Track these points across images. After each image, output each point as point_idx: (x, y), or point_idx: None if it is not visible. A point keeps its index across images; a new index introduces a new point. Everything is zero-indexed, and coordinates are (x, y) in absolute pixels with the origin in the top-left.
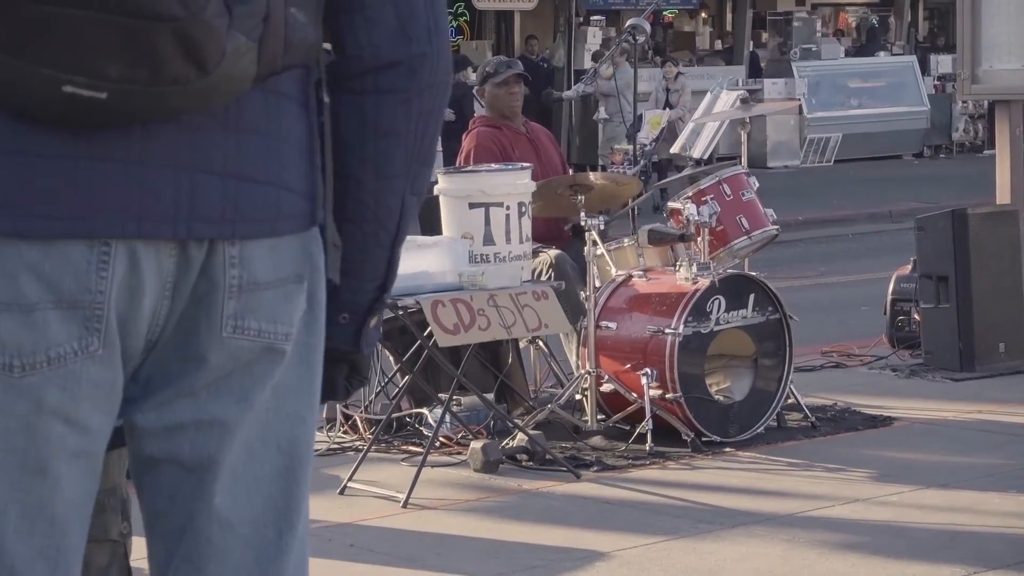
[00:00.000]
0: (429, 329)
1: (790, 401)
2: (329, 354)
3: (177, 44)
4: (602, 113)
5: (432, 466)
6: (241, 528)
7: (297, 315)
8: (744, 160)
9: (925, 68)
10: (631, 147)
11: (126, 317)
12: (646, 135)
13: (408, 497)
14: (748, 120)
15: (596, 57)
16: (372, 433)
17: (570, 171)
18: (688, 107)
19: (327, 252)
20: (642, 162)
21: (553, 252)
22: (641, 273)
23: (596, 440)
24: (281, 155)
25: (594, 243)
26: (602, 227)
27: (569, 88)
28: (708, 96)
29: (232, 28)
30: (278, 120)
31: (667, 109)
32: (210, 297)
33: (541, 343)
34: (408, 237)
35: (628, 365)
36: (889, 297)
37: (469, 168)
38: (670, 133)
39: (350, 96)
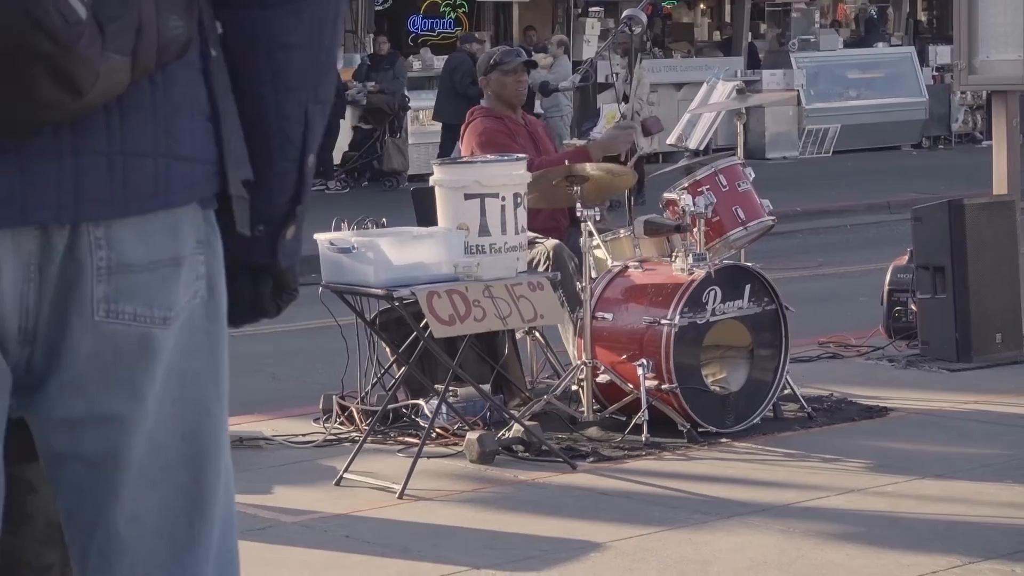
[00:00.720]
0: (425, 320)
1: (786, 392)
2: (251, 268)
3: (50, 76)
4: (538, 108)
5: (428, 457)
6: (150, 520)
7: (180, 299)
8: (740, 151)
9: (924, 59)
10: (579, 141)
11: None
12: (600, 129)
13: (404, 488)
14: (744, 111)
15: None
16: (368, 424)
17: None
18: (645, 100)
19: (234, 206)
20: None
21: (551, 243)
22: (637, 264)
23: (592, 431)
24: (170, 125)
25: (590, 234)
26: (598, 218)
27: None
28: (704, 87)
29: (106, 50)
30: (167, 90)
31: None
32: (79, 280)
33: (538, 334)
34: (403, 228)
35: (624, 356)
36: (886, 287)
37: (464, 159)
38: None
39: (240, 12)
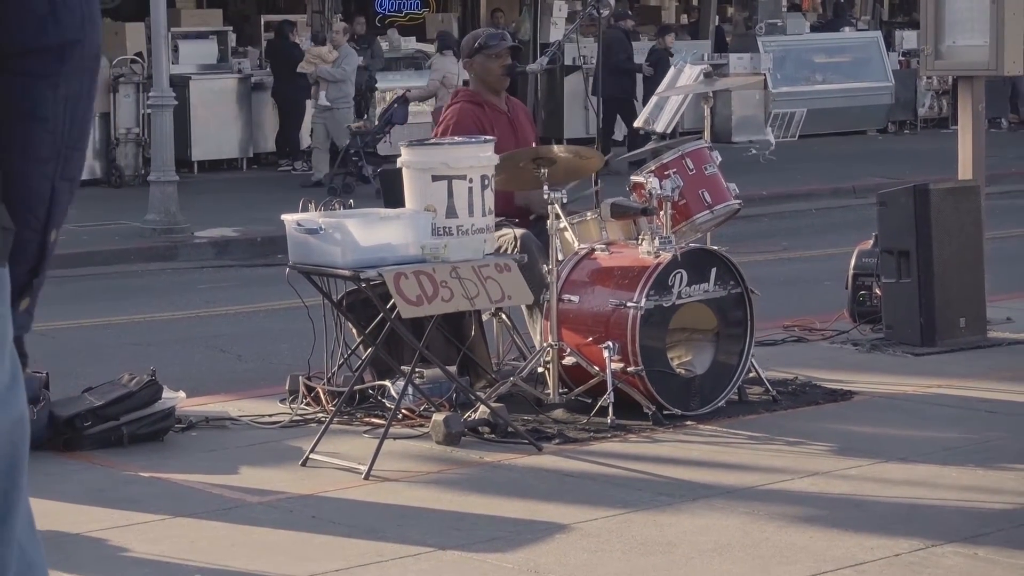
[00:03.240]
0: (392, 301)
1: (751, 375)
2: None
3: None
4: (322, 100)
5: (394, 438)
6: None
7: None
8: (707, 134)
9: (890, 44)
10: (363, 122)
11: None
12: (400, 118)
13: (370, 469)
14: (712, 94)
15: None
16: (334, 405)
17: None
18: (438, 85)
19: None
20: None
21: (519, 231)
22: (603, 247)
23: (558, 413)
24: None
25: (557, 216)
26: (564, 201)
27: (534, 61)
28: (672, 70)
29: None
30: None
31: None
32: None
33: (504, 316)
34: (370, 209)
35: (590, 338)
36: (851, 272)
37: (432, 140)
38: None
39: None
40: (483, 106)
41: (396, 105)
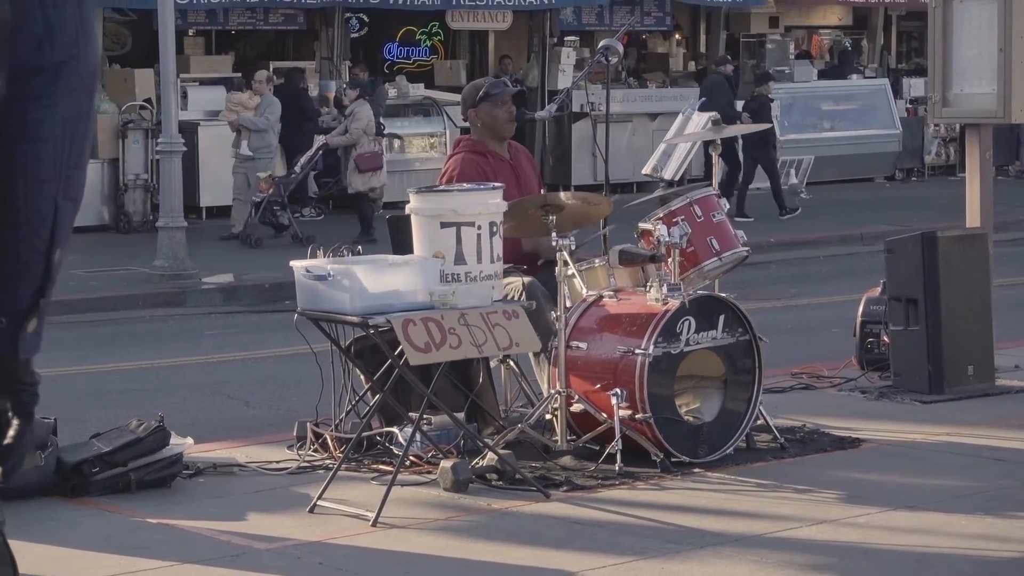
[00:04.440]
0: (400, 348)
1: (759, 422)
2: None
3: None
4: (244, 149)
5: (402, 485)
6: None
7: None
8: (715, 181)
9: (898, 91)
10: (276, 174)
11: None
12: (304, 162)
13: (378, 516)
14: (719, 141)
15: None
16: (342, 452)
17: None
18: (360, 133)
19: None
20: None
21: (526, 279)
22: (612, 293)
23: (566, 460)
24: None
25: (565, 263)
26: (573, 247)
27: (542, 108)
28: (680, 117)
29: None
30: None
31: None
32: None
33: (512, 363)
34: (379, 256)
35: (598, 385)
36: (859, 319)
37: (441, 188)
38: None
39: None
40: (486, 155)
41: (320, 153)
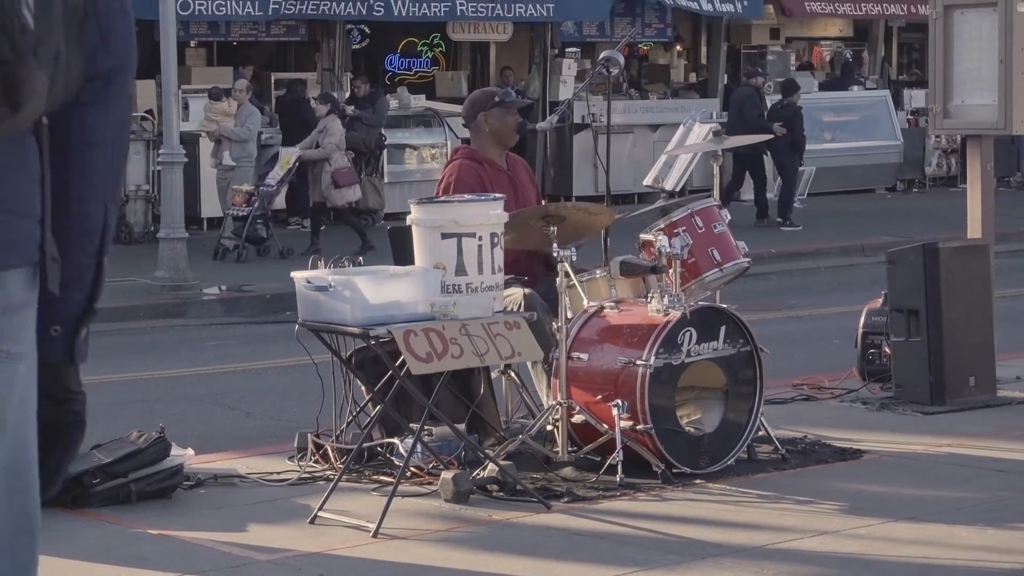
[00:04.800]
0: (401, 359)
1: (760, 433)
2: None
3: (2, 85)
4: (227, 160)
5: (403, 496)
6: None
7: (31, 334)
8: (716, 192)
9: (899, 102)
10: (252, 188)
11: None
12: (275, 175)
13: (378, 527)
14: (720, 152)
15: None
16: (343, 463)
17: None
18: (333, 147)
19: (47, 266)
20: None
21: (525, 291)
22: (613, 304)
23: (567, 471)
24: (19, 184)
25: (566, 274)
26: (574, 258)
27: (543, 119)
28: (681, 128)
29: (39, 68)
30: (20, 151)
31: (316, 148)
32: None
33: (513, 374)
34: (380, 267)
35: (599, 396)
36: (860, 330)
37: (442, 198)
38: (318, 175)
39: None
40: (483, 163)
41: (296, 165)
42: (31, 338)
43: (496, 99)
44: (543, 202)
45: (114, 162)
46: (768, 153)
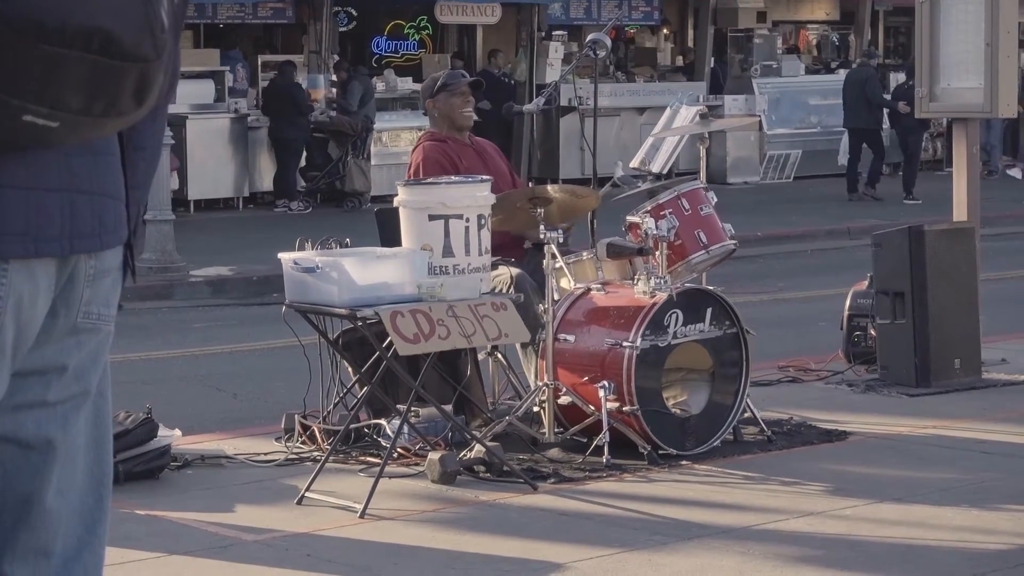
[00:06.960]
0: (388, 340)
1: (747, 415)
2: None
3: (136, 82)
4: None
5: (390, 477)
6: (72, 495)
7: (116, 301)
8: (703, 175)
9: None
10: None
11: (24, 322)
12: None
13: (365, 507)
14: (707, 135)
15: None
16: (330, 444)
17: (528, 183)
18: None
19: (134, 242)
20: None
21: (514, 271)
22: (599, 286)
23: (553, 452)
24: (115, 170)
25: (553, 256)
26: (561, 240)
27: (530, 102)
28: (668, 111)
29: (162, 68)
30: (113, 143)
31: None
32: (71, 289)
33: (500, 355)
34: (367, 248)
35: (586, 378)
36: (846, 312)
37: (430, 180)
38: None
39: None
40: (446, 140)
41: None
42: (115, 307)
43: (438, 84)
44: (520, 181)
45: (152, 167)
46: (892, 129)
